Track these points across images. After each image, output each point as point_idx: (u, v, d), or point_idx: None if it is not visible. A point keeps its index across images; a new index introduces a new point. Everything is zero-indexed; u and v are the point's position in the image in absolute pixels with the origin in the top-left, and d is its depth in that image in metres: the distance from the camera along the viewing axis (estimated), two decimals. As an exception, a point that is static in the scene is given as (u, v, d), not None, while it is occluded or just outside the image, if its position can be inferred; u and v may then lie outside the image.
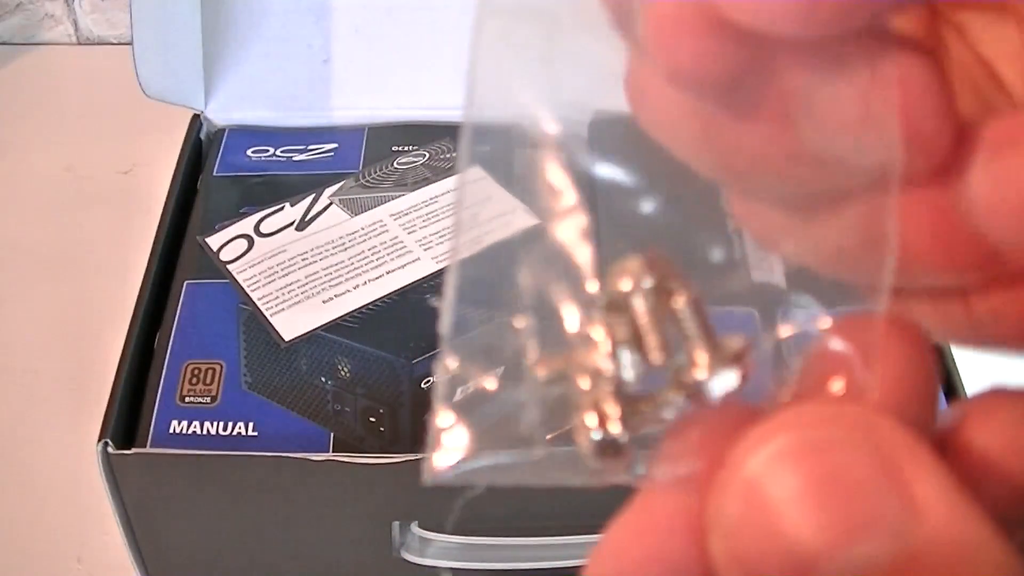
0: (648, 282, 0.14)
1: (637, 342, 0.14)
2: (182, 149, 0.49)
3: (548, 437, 0.14)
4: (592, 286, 0.14)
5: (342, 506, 0.38)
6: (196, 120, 0.51)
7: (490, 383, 0.14)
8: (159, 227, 0.45)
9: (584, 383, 0.14)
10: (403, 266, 0.44)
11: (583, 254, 0.14)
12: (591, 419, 0.14)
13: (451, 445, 0.14)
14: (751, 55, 0.13)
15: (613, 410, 0.14)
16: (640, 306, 0.14)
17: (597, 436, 0.14)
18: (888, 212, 0.14)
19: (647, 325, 0.14)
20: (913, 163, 0.14)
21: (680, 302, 0.14)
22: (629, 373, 0.14)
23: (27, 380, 0.53)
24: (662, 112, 0.15)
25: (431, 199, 0.47)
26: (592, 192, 0.14)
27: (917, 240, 0.15)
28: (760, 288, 0.15)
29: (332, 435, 0.38)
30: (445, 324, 0.14)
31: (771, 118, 0.14)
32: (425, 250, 0.44)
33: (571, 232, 0.14)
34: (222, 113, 0.52)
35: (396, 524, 0.39)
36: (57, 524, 0.47)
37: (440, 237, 0.45)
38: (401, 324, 0.41)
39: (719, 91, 0.14)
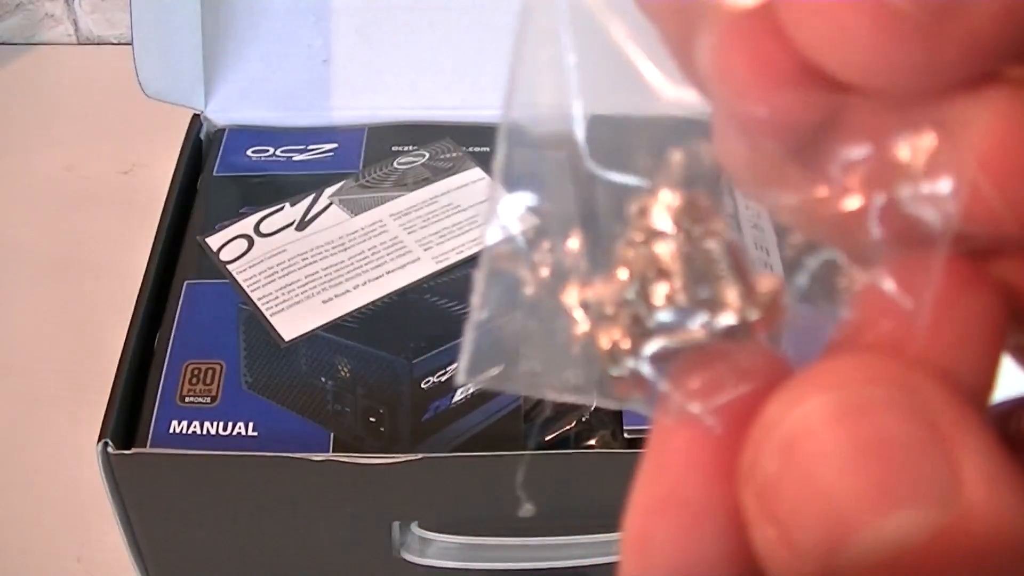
0: (685, 220, 0.14)
1: (667, 277, 0.14)
2: (182, 149, 0.49)
3: (572, 357, 0.14)
4: (631, 217, 0.14)
5: (342, 506, 0.38)
6: (196, 120, 0.51)
7: (526, 295, 0.14)
8: (159, 227, 0.45)
9: (610, 312, 0.14)
10: (403, 266, 0.44)
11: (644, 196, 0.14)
12: (610, 345, 0.14)
13: (483, 349, 0.14)
14: (832, 103, 0.12)
15: (636, 341, 0.14)
16: (674, 241, 0.14)
17: (616, 365, 0.14)
18: (932, 273, 0.13)
19: (679, 261, 0.14)
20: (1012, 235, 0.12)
21: (715, 241, 0.14)
22: (655, 307, 0.14)
23: (27, 380, 0.53)
24: (723, 154, 0.14)
25: (431, 199, 0.47)
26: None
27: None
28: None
29: (332, 435, 0.38)
30: (489, 232, 0.14)
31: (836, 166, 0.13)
32: (425, 250, 0.44)
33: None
34: (222, 113, 0.52)
35: (396, 524, 0.39)
36: (57, 524, 0.47)
37: (440, 237, 0.45)
38: (401, 324, 0.41)
39: (789, 141, 0.13)
